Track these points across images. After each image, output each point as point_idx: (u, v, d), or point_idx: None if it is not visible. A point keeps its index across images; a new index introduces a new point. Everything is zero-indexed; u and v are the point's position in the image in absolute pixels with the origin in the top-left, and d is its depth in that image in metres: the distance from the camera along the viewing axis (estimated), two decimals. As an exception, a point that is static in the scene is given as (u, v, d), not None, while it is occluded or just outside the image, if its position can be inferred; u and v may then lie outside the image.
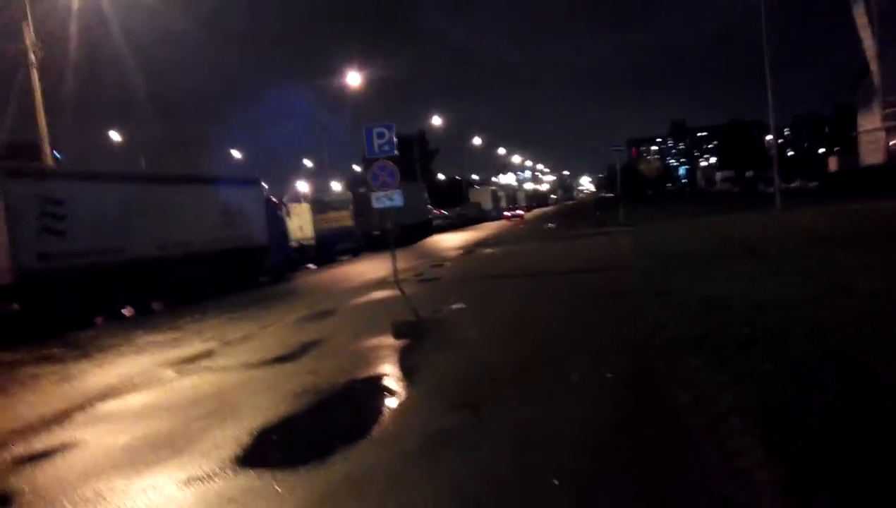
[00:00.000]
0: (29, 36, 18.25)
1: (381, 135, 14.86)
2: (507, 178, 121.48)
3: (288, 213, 24.82)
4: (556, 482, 3.65)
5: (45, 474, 4.76)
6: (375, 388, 6.28)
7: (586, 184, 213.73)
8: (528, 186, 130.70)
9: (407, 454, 4.35)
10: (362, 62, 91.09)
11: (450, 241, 33.96)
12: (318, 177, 70.23)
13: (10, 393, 8.04)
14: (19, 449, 5.42)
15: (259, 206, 21.44)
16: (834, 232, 15.32)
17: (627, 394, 5.13)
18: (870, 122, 42.54)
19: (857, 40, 39.53)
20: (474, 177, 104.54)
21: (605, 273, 12.90)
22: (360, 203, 30.33)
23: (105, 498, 4.16)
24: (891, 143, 40.20)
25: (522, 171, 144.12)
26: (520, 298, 11.11)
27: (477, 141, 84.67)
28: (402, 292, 13.26)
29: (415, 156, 62.39)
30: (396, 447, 4.50)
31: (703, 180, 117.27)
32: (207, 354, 8.86)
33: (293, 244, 25.11)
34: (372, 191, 15.57)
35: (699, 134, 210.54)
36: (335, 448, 4.50)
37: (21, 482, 4.62)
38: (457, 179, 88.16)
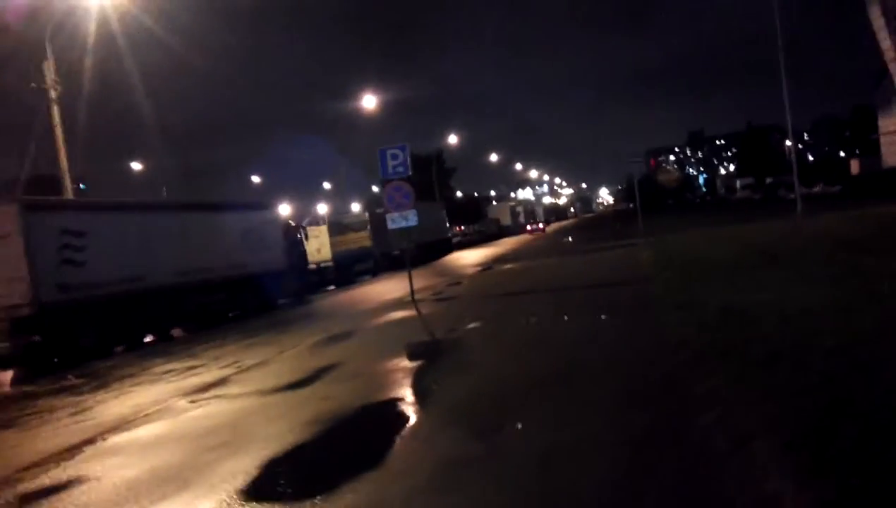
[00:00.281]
0: (49, 74, 18.55)
1: (394, 157, 14.87)
2: (525, 193, 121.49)
3: (306, 236, 24.96)
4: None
5: (50, 512, 4.66)
6: (388, 415, 6.14)
7: (605, 195, 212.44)
8: (547, 200, 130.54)
9: (418, 488, 4.18)
10: (380, 84, 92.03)
11: (469, 258, 33.83)
12: (338, 198, 71.00)
13: (27, 426, 8.06)
14: (26, 485, 5.34)
15: (276, 230, 21.60)
16: (858, 236, 14.90)
17: (649, 415, 4.92)
18: (891, 124, 41.85)
19: (875, 42, 38.96)
20: (492, 193, 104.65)
21: (626, 286, 12.66)
22: (377, 223, 30.41)
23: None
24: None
25: (540, 186, 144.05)
26: (537, 315, 10.91)
27: (494, 157, 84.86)
28: (419, 312, 13.15)
29: (433, 175, 62.56)
30: (408, 479, 4.33)
31: (723, 188, 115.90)
32: (222, 382, 8.79)
33: (311, 266, 25.21)
34: (387, 212, 15.55)
35: (717, 141, 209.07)
36: (344, 481, 4.34)
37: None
38: (475, 196, 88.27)
